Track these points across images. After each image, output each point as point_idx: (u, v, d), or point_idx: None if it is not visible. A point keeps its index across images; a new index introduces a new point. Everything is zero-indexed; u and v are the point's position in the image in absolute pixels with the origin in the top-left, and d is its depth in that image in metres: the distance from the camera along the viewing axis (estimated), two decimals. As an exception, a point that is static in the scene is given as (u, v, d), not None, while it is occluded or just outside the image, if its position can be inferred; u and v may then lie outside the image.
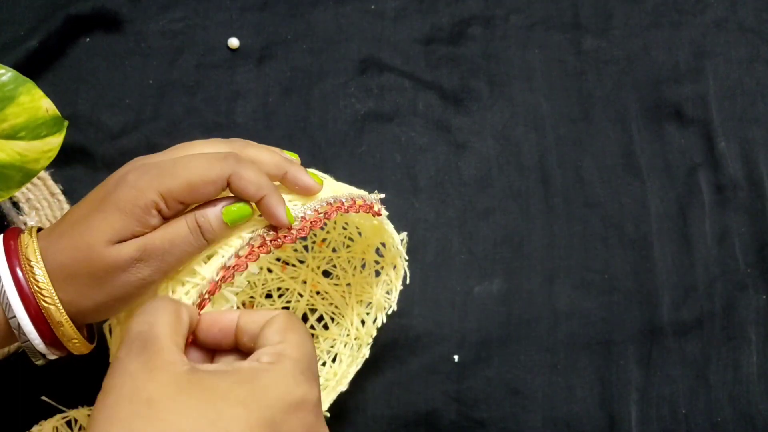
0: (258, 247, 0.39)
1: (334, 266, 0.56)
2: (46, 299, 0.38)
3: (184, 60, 0.63)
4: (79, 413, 0.51)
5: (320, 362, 0.54)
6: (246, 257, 0.39)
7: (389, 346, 0.56)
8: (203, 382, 0.31)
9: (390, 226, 0.48)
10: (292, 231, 0.40)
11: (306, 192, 0.42)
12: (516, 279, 0.59)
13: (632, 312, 0.58)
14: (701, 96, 0.64)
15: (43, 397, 0.52)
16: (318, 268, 0.56)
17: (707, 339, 0.58)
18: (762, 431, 0.56)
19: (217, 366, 0.33)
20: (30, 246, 0.39)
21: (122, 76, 0.63)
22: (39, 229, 0.41)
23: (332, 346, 0.55)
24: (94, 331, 0.44)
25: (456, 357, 0.57)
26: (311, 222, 0.41)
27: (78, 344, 0.40)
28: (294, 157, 0.44)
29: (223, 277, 0.39)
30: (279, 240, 0.40)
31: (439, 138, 0.62)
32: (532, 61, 0.65)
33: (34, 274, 0.38)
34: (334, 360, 0.54)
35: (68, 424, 0.51)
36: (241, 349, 0.36)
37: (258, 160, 0.41)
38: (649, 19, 0.66)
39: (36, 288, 0.38)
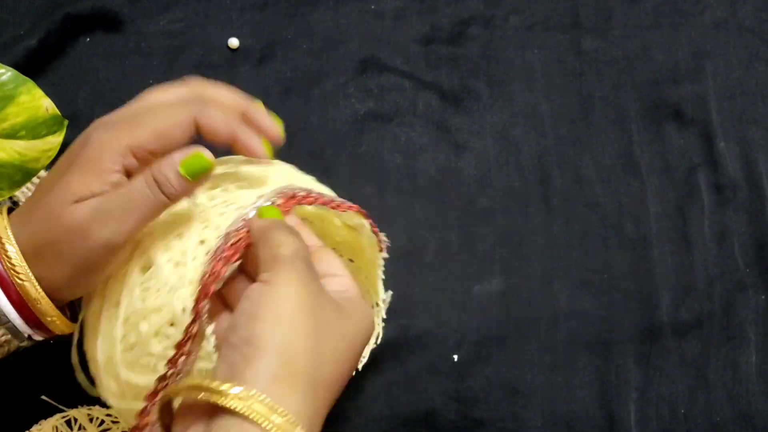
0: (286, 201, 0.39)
1: None
2: (20, 275, 0.37)
3: (184, 60, 0.63)
4: (79, 413, 0.51)
5: None
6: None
7: (389, 346, 0.56)
8: (347, 310, 0.36)
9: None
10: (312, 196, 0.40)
11: (266, 132, 0.41)
12: (515, 279, 0.59)
13: (631, 312, 0.58)
14: (701, 96, 0.64)
15: (43, 397, 0.52)
16: None
17: (706, 339, 0.58)
18: (761, 431, 0.56)
19: (336, 292, 0.37)
20: (0, 223, 0.38)
21: (122, 75, 0.63)
22: (11, 210, 0.40)
23: None
24: (77, 310, 0.43)
25: (455, 356, 0.57)
26: (306, 194, 0.41)
27: (57, 322, 0.39)
28: (278, 121, 0.44)
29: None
30: (310, 198, 0.40)
31: (438, 138, 0.62)
32: (532, 61, 0.65)
33: (6, 250, 0.37)
34: None
35: (68, 423, 0.51)
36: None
37: (218, 100, 0.40)
38: (648, 19, 0.66)
39: (9, 265, 0.37)
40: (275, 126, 0.42)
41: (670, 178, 0.62)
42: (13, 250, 0.37)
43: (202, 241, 0.38)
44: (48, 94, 0.45)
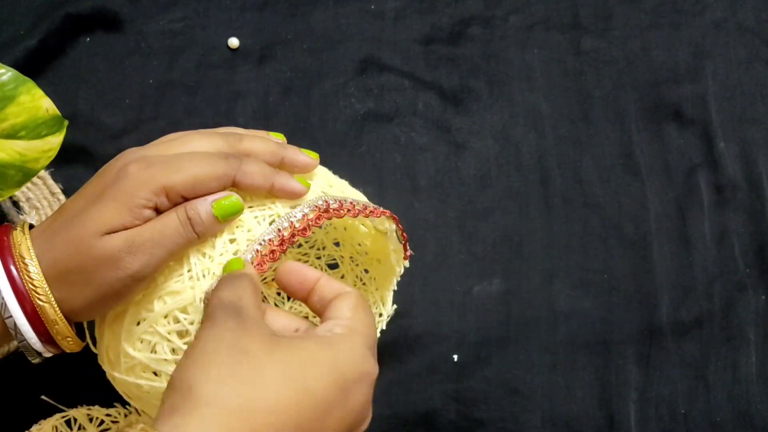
0: (314, 219, 0.39)
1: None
2: (41, 297, 0.38)
3: (184, 60, 0.63)
4: (79, 412, 0.51)
5: None
6: (306, 226, 0.39)
7: (389, 346, 0.56)
8: (291, 343, 0.34)
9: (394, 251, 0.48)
10: (341, 209, 0.41)
11: (304, 170, 0.43)
12: (515, 279, 0.59)
13: (631, 312, 0.58)
14: (700, 96, 0.64)
15: (43, 397, 0.52)
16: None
17: (706, 339, 0.58)
18: (761, 431, 0.56)
19: (295, 333, 0.36)
20: (24, 243, 0.38)
21: (122, 75, 0.63)
22: (31, 226, 0.40)
23: None
24: (84, 328, 0.43)
25: (455, 357, 0.57)
26: (339, 206, 0.41)
27: (72, 343, 0.40)
28: (281, 138, 0.45)
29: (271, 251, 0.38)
30: (341, 211, 0.40)
31: (438, 138, 0.62)
32: (532, 61, 0.65)
33: (29, 271, 0.38)
34: None
35: (67, 423, 0.51)
36: (308, 305, 0.38)
37: (254, 152, 0.41)
38: (648, 19, 0.66)
39: (31, 286, 0.37)
40: (311, 160, 0.43)
41: (670, 179, 0.62)
42: (35, 270, 0.38)
43: (232, 240, 0.39)
44: (48, 94, 0.45)
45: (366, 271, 0.54)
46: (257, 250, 0.38)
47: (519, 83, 0.64)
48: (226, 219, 0.39)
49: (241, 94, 0.63)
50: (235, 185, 0.40)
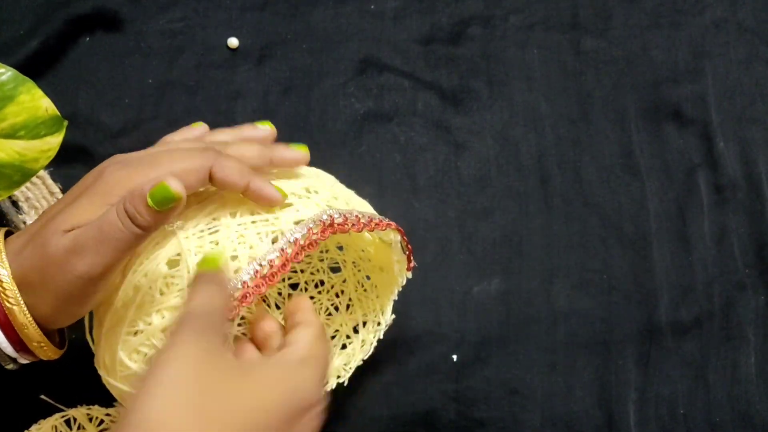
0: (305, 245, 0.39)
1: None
2: (10, 299, 0.37)
3: (184, 60, 0.63)
4: (78, 412, 0.51)
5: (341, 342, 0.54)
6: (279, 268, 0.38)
7: (388, 346, 0.56)
8: (252, 371, 0.35)
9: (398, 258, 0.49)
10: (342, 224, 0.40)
11: (295, 164, 0.43)
12: (515, 279, 0.59)
13: (631, 312, 0.58)
14: (700, 96, 0.64)
15: (42, 396, 0.52)
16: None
17: (706, 339, 0.58)
18: (761, 431, 0.56)
19: (257, 357, 0.38)
20: None
21: (122, 75, 0.63)
22: (10, 233, 0.40)
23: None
24: (65, 336, 0.42)
25: (455, 357, 0.57)
26: (344, 220, 0.41)
27: (45, 348, 0.39)
28: (268, 125, 0.45)
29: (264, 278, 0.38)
30: (344, 226, 0.40)
31: (438, 138, 0.62)
32: (532, 61, 0.65)
33: None
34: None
35: (67, 423, 0.51)
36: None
37: (241, 156, 0.41)
38: (648, 19, 0.66)
39: (0, 289, 0.37)
40: (301, 154, 0.43)
41: (669, 178, 0.62)
42: (4, 273, 0.37)
43: (234, 257, 0.39)
44: (47, 93, 0.45)
45: (368, 277, 0.54)
46: (256, 270, 0.38)
47: (519, 83, 0.64)
48: (163, 208, 0.36)
49: (240, 94, 0.63)
50: (211, 179, 0.39)
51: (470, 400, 0.56)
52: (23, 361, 0.40)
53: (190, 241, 0.39)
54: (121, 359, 0.39)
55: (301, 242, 0.39)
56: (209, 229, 0.40)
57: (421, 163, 0.62)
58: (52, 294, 0.37)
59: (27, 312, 0.37)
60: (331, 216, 0.41)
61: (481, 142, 0.62)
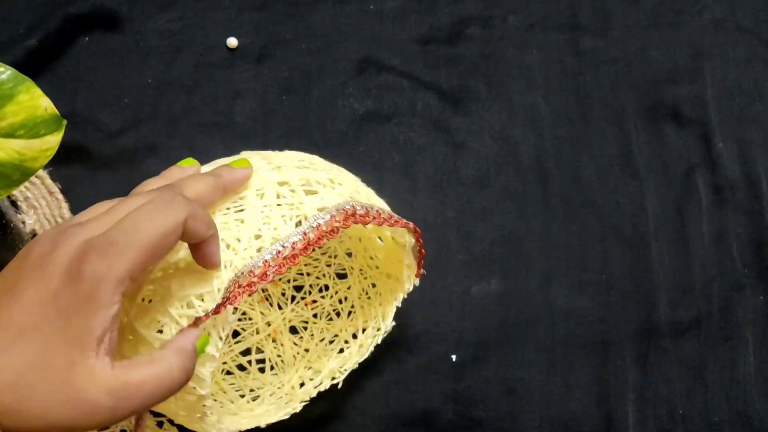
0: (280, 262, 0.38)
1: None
2: None
3: (183, 59, 0.63)
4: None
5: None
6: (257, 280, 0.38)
7: (387, 346, 0.56)
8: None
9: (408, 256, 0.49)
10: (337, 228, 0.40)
11: (244, 181, 0.41)
12: (514, 279, 0.59)
13: (629, 312, 0.58)
14: (699, 96, 0.64)
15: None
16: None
17: (704, 339, 0.58)
18: (759, 431, 0.56)
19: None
20: None
21: (121, 75, 0.63)
22: None
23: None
24: None
25: (454, 357, 0.57)
26: (365, 212, 0.41)
27: None
28: (192, 162, 0.42)
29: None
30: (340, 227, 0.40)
31: (437, 138, 0.62)
32: (531, 61, 0.65)
33: None
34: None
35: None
36: None
37: (199, 197, 0.38)
38: (647, 19, 0.66)
39: None
40: (247, 169, 0.41)
41: (668, 178, 0.62)
42: None
43: (258, 236, 0.39)
44: (47, 93, 0.44)
45: (373, 285, 0.54)
46: (278, 251, 0.38)
47: (518, 83, 0.64)
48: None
49: (239, 94, 0.63)
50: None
51: (469, 400, 0.56)
52: None
53: (216, 217, 0.39)
54: (131, 323, 0.39)
55: (324, 228, 0.39)
56: (235, 207, 0.40)
57: (420, 163, 0.62)
58: None
59: None
60: (353, 206, 0.41)
61: (480, 142, 0.62)
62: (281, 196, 0.40)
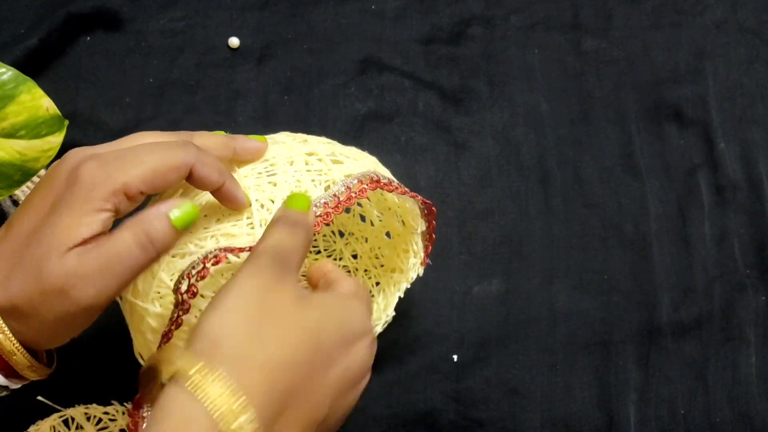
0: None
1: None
2: None
3: (185, 59, 0.63)
4: (76, 411, 0.51)
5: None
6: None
7: (388, 346, 0.56)
8: (312, 301, 0.35)
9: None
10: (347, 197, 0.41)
11: (256, 155, 0.42)
12: (515, 279, 0.59)
13: (631, 312, 0.58)
14: (701, 97, 0.64)
15: (39, 397, 0.52)
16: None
17: (706, 340, 0.58)
18: (760, 432, 0.56)
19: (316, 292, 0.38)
20: None
21: (122, 75, 0.63)
22: None
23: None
24: (54, 355, 0.41)
25: (455, 357, 0.57)
26: (389, 181, 0.42)
27: (35, 371, 0.37)
28: (221, 133, 0.43)
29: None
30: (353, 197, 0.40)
31: (438, 138, 0.62)
32: (532, 61, 0.65)
33: None
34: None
35: (65, 423, 0.51)
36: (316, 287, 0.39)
37: (207, 147, 0.39)
38: (648, 20, 0.66)
39: None
40: (262, 144, 0.42)
41: (670, 179, 0.62)
42: None
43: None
44: (48, 93, 0.45)
45: (377, 283, 0.54)
46: (313, 211, 0.39)
47: (519, 83, 0.64)
48: (184, 228, 0.36)
49: (241, 94, 0.63)
50: (189, 176, 0.37)
51: (470, 400, 0.56)
52: (14, 386, 0.38)
53: (250, 180, 0.40)
54: (161, 277, 0.39)
55: (353, 190, 0.40)
56: (267, 171, 0.41)
57: (422, 163, 0.62)
58: (48, 324, 0.35)
59: (14, 339, 0.35)
60: (378, 175, 0.42)
61: (482, 142, 0.62)
62: (310, 164, 0.42)
